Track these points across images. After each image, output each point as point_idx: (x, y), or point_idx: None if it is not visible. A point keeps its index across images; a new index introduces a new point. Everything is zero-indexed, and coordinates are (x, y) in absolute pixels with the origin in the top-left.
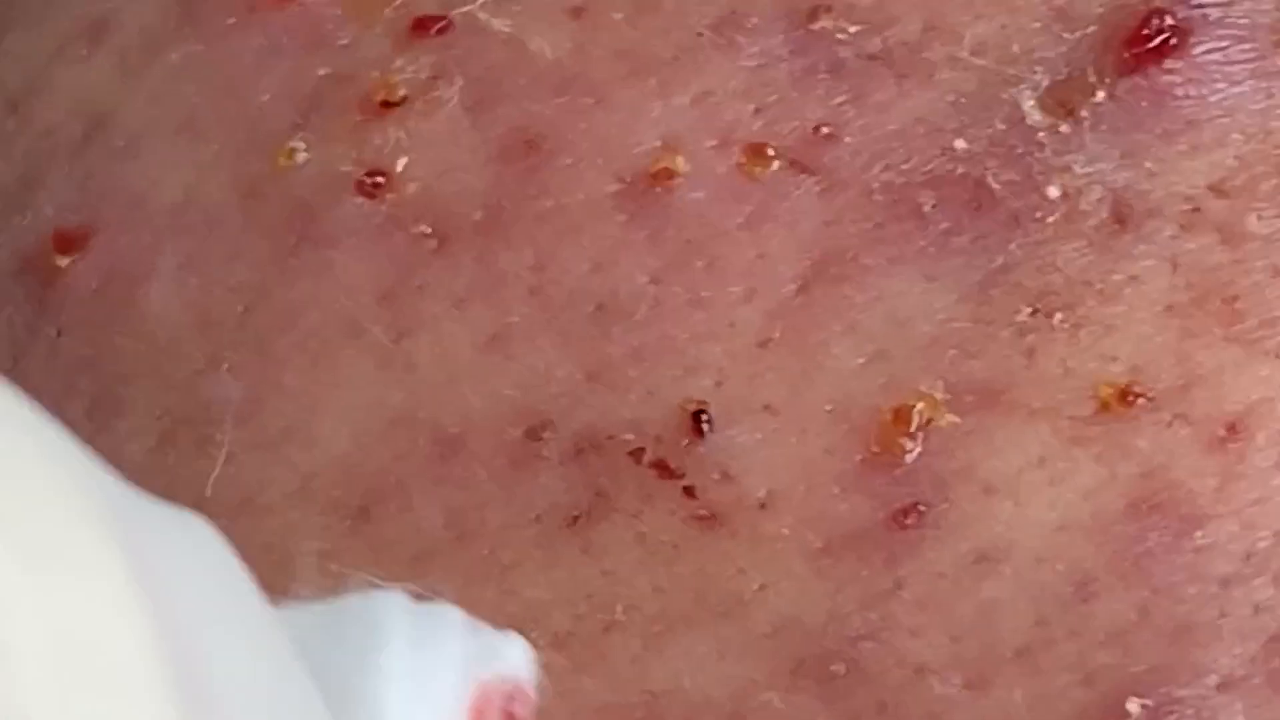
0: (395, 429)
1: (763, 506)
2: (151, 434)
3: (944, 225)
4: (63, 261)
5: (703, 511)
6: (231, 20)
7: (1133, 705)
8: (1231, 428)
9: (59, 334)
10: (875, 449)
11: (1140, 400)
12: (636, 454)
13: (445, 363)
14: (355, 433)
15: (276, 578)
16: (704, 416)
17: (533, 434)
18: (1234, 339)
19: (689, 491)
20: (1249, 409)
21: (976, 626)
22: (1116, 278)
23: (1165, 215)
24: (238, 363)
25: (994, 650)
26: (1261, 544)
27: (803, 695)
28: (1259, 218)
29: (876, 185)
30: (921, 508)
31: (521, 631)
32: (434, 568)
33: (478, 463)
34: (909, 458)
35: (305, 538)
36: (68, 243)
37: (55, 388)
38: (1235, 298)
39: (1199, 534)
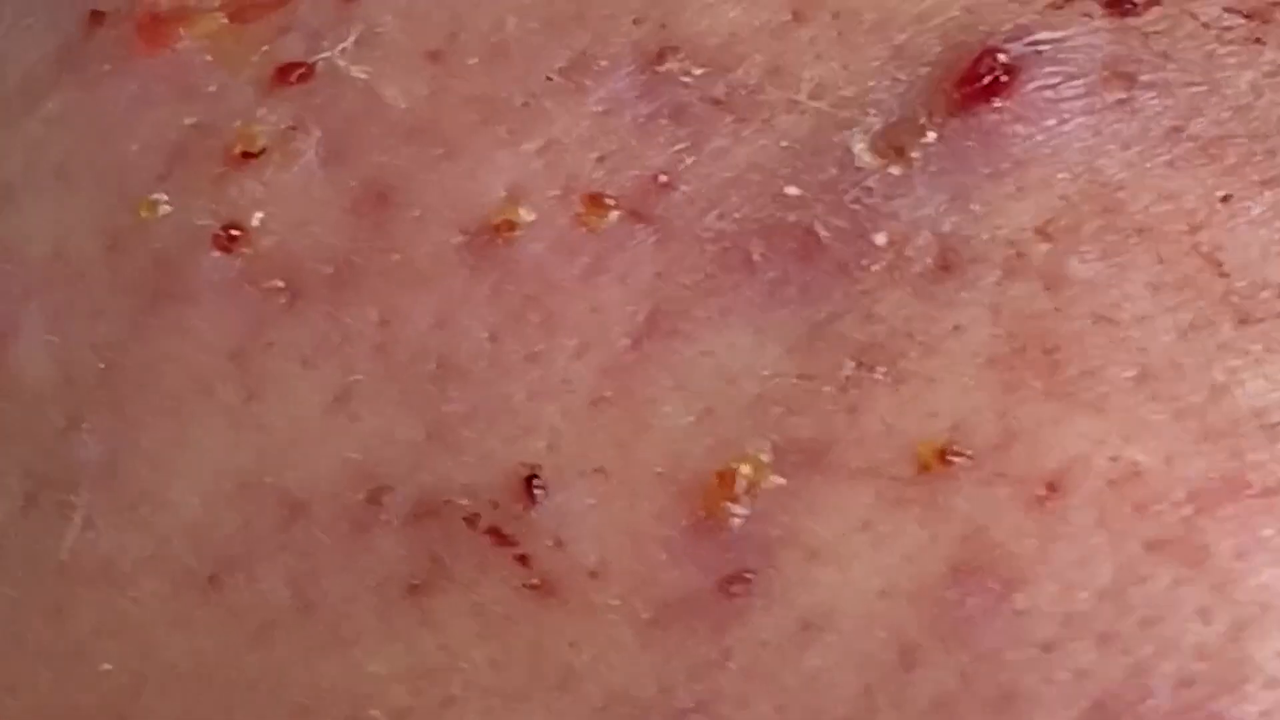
0: (244, 493)
1: (593, 575)
2: (18, 495)
3: (772, 275)
4: None
5: (535, 580)
6: (108, 67)
7: None
8: (1050, 486)
9: None
10: (701, 513)
11: (959, 459)
12: (472, 519)
13: (293, 424)
14: (206, 497)
15: (130, 650)
16: (536, 481)
17: (373, 498)
18: (1053, 392)
19: (522, 560)
20: (1067, 466)
21: (802, 696)
22: (939, 328)
23: (990, 261)
24: (97, 423)
25: (818, 718)
26: (1082, 605)
27: None
28: (1081, 261)
29: (709, 234)
30: (748, 575)
31: (361, 709)
32: (278, 641)
33: (320, 528)
34: (735, 522)
35: (159, 605)
36: None
37: None
38: (1056, 348)
39: (1019, 597)
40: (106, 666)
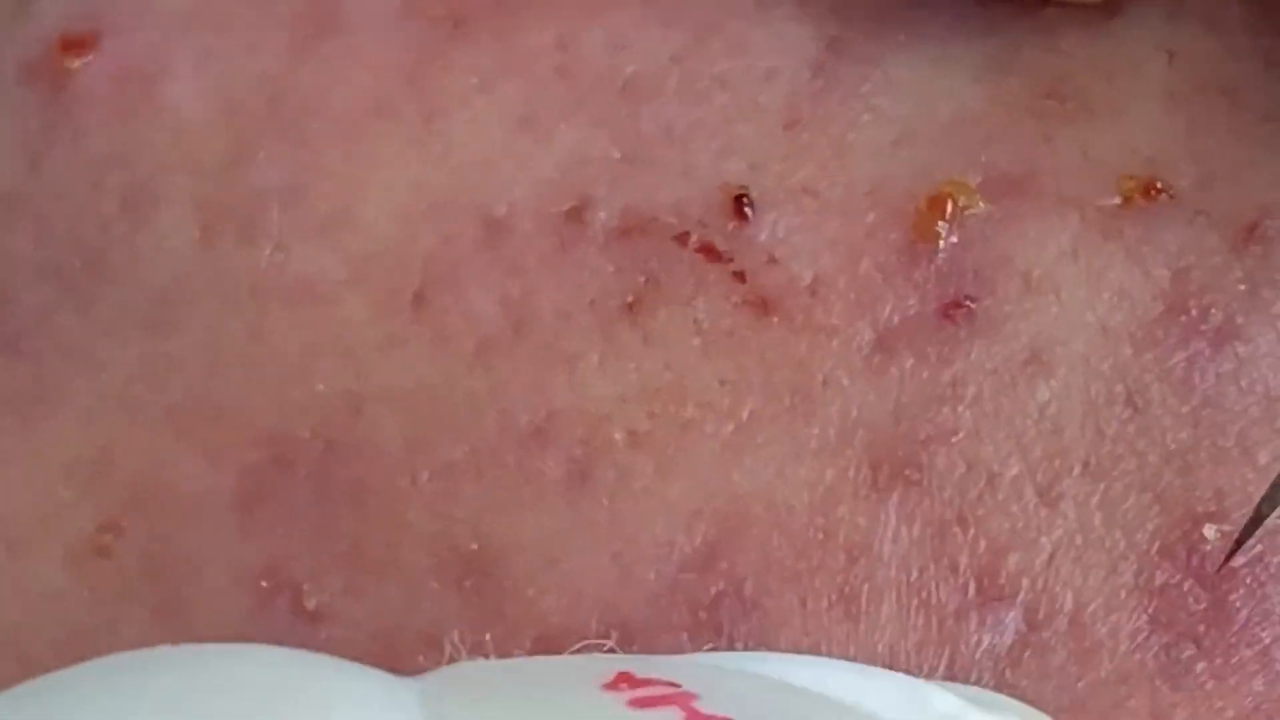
0: (439, 211)
1: (812, 292)
2: (193, 226)
3: (952, 9)
4: (73, 64)
5: (753, 297)
6: None
7: (1210, 531)
8: (1250, 229)
9: (77, 134)
10: (914, 235)
11: (1162, 196)
12: (682, 237)
13: (481, 143)
14: (400, 216)
15: (344, 369)
16: (746, 200)
17: (576, 214)
18: (1241, 134)
19: (738, 276)
20: (1266, 211)
21: (1040, 433)
22: (1119, 63)
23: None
24: (274, 151)
25: (1061, 461)
26: None
27: (881, 505)
28: None
29: None
30: (968, 301)
31: (599, 431)
32: (497, 360)
33: (525, 246)
34: (945, 245)
35: (365, 326)
36: (75, 46)
37: (81, 187)
38: (1235, 88)
39: (1238, 342)
40: (320, 387)
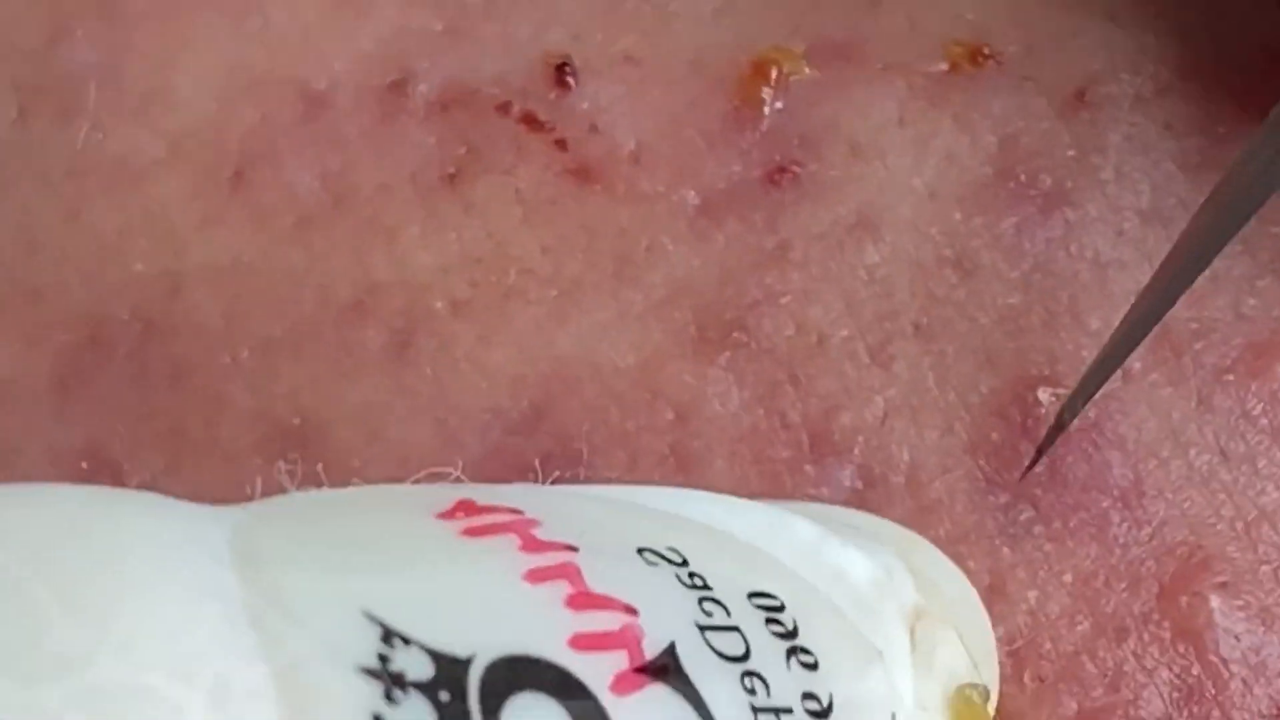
0: (258, 88)
1: (634, 161)
2: (10, 106)
3: None
4: None
5: (575, 166)
6: None
7: (1044, 394)
8: (1079, 94)
9: None
10: (738, 101)
11: (990, 62)
12: (504, 107)
13: (301, 20)
14: (219, 94)
15: (162, 249)
16: (567, 69)
17: (397, 87)
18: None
19: (560, 144)
20: (1094, 77)
21: (870, 296)
22: None
23: None
24: (90, 30)
25: (892, 323)
26: (1128, 224)
27: (710, 366)
28: None
29: None
30: (794, 167)
31: (419, 301)
32: (317, 235)
33: (346, 120)
34: (772, 112)
35: (184, 205)
36: None
37: None
38: None
39: (1066, 208)
40: (139, 267)
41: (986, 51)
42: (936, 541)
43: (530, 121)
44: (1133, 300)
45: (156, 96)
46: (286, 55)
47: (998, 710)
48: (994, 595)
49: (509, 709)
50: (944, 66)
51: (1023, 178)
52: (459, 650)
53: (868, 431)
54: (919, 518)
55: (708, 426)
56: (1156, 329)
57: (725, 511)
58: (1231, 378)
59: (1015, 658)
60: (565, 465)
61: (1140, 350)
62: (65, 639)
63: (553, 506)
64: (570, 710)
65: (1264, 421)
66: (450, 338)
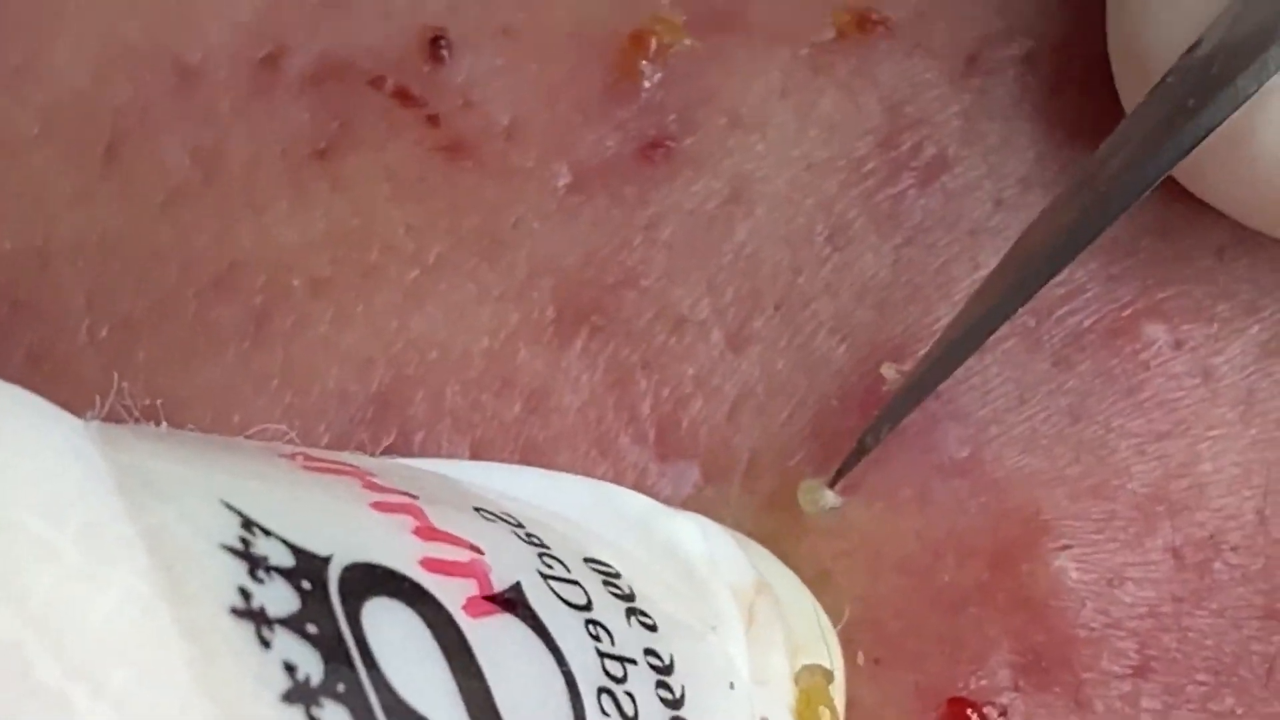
0: (131, 59)
1: (508, 136)
2: None
3: None
4: None
5: (447, 141)
6: None
7: (888, 370)
8: (971, 60)
9: None
10: (616, 74)
11: (879, 28)
12: (377, 81)
13: None
14: (92, 66)
15: (32, 226)
16: (442, 42)
17: (271, 60)
18: None
19: (432, 120)
20: (986, 40)
21: (734, 274)
22: None
23: None
24: None
25: (753, 302)
26: (1009, 191)
27: (564, 352)
28: None
29: None
30: (669, 142)
31: (278, 279)
32: (185, 210)
33: (219, 93)
34: (649, 83)
35: (55, 181)
36: None
37: None
38: None
39: (947, 177)
40: (7, 245)
41: (875, 18)
42: (770, 534)
43: (403, 96)
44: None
45: (29, 69)
46: (162, 26)
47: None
48: (822, 582)
49: (369, 608)
50: (831, 34)
51: (906, 147)
52: (318, 549)
53: (714, 423)
54: (755, 512)
55: (555, 418)
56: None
57: (552, 486)
58: (1093, 338)
59: (849, 641)
60: (408, 456)
61: None
62: None
63: (385, 467)
64: (427, 620)
65: (1122, 380)
66: (306, 317)
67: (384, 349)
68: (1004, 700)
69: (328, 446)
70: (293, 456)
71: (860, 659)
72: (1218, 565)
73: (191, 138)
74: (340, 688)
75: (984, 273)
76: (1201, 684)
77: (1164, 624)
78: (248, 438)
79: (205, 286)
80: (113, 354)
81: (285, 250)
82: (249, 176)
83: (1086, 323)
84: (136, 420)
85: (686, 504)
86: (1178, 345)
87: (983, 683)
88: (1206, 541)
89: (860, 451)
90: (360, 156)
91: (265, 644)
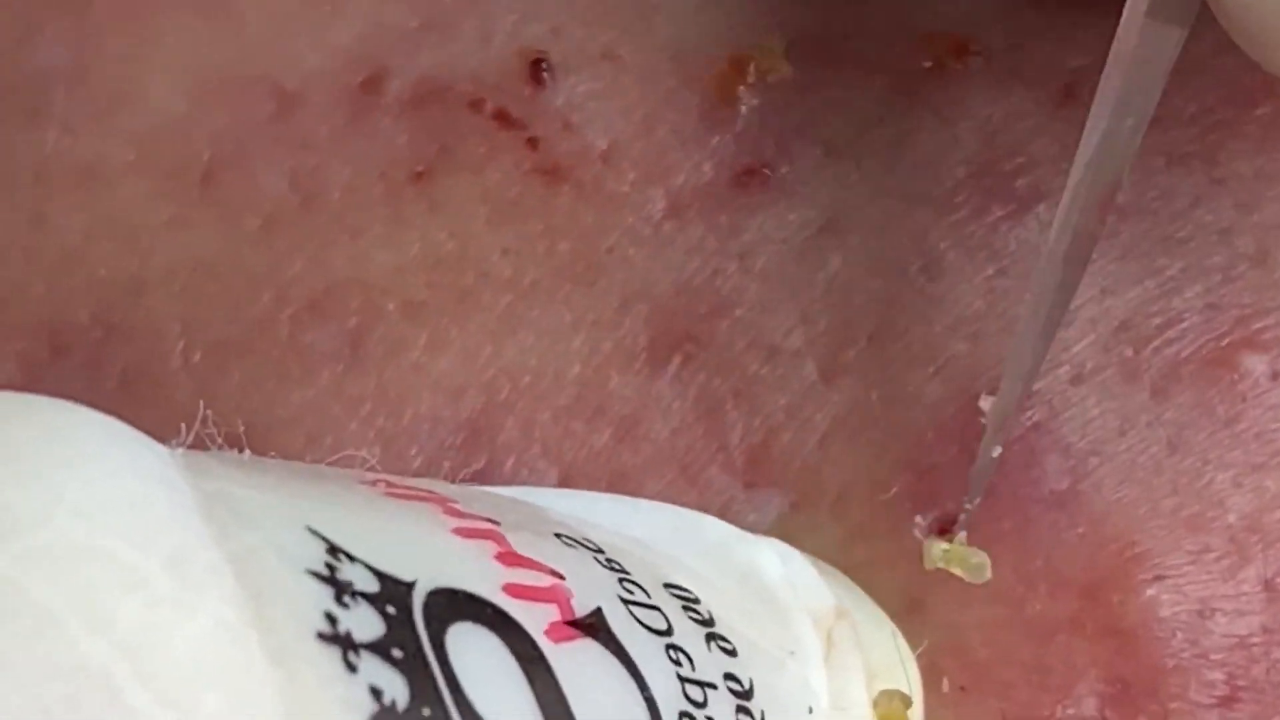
0: (228, 87)
1: (605, 160)
2: None
3: None
4: None
5: (546, 165)
6: None
7: (985, 403)
8: (1067, 91)
9: None
10: (715, 98)
11: (974, 58)
12: (477, 104)
13: (273, 15)
14: (189, 94)
15: (128, 253)
16: (544, 65)
17: (371, 85)
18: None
19: (531, 143)
20: (1082, 71)
21: (827, 305)
22: None
23: None
24: (60, 29)
25: (846, 333)
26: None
27: (655, 380)
28: None
29: None
30: (764, 170)
31: (373, 303)
32: (281, 235)
33: (317, 119)
34: (746, 109)
35: (150, 207)
36: None
37: None
38: None
39: (1041, 207)
40: (102, 272)
41: (972, 47)
42: (859, 564)
43: (503, 118)
44: (1096, 300)
45: (126, 98)
46: (259, 53)
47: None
48: (913, 610)
49: (453, 633)
50: (927, 63)
51: (1000, 176)
52: (402, 574)
53: (805, 453)
54: (845, 543)
55: (645, 446)
56: (1114, 322)
57: (632, 512)
58: (1192, 368)
59: (934, 667)
60: (498, 481)
61: (1095, 348)
62: (15, 500)
63: (467, 494)
64: (510, 645)
65: (1220, 411)
66: (400, 341)
67: (477, 375)
68: None
69: (418, 471)
70: (374, 483)
71: (945, 686)
72: None
73: (289, 162)
74: (426, 711)
75: (1079, 303)
76: None
77: (1254, 655)
78: (329, 464)
79: (299, 310)
80: (205, 378)
81: (381, 273)
82: (346, 200)
83: (1184, 353)
84: (220, 447)
85: (771, 531)
86: (1275, 376)
87: (1069, 711)
88: None
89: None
90: (458, 179)
91: (352, 668)
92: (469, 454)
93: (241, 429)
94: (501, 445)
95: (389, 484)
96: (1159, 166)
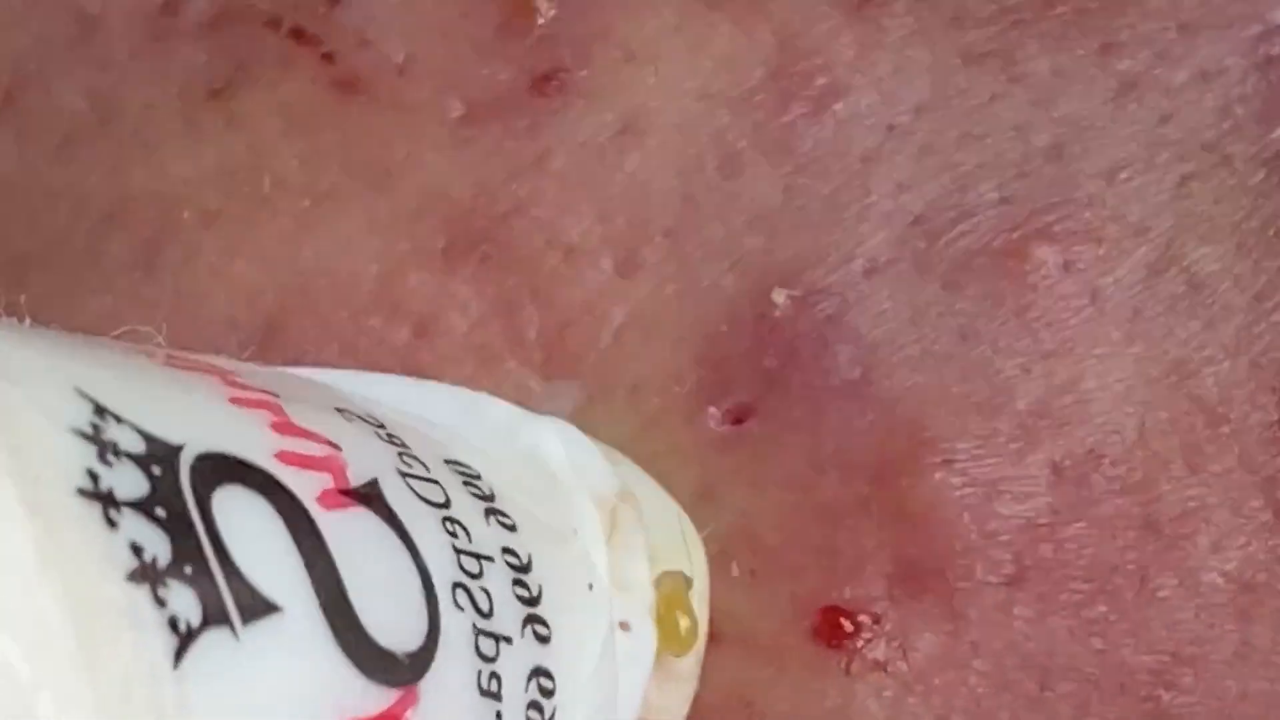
0: (33, 10)
1: (401, 72)
2: None
3: None
4: None
5: (343, 78)
6: None
7: (778, 296)
8: None
9: None
10: (510, 10)
11: None
12: (274, 22)
13: None
14: None
15: None
16: None
17: (170, 7)
18: None
19: (328, 58)
20: None
21: (624, 201)
22: None
23: None
24: None
25: (643, 230)
26: (902, 118)
27: (453, 278)
28: None
29: None
30: (562, 74)
31: (172, 212)
32: (80, 152)
33: (117, 40)
34: (544, 19)
35: None
36: None
37: None
38: None
39: (839, 105)
40: None
41: None
42: (653, 455)
43: (299, 35)
44: (891, 195)
45: None
46: None
47: (710, 606)
48: (705, 498)
49: (220, 495)
50: None
51: (798, 78)
52: (171, 437)
53: (600, 346)
54: (640, 432)
55: (442, 341)
56: (908, 217)
57: (418, 392)
58: (984, 260)
59: (724, 553)
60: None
61: (890, 242)
62: None
63: (252, 370)
64: (279, 509)
65: (1010, 302)
66: (196, 248)
67: (273, 278)
68: (878, 609)
69: None
70: (153, 354)
71: (735, 570)
72: (1096, 478)
73: (88, 83)
74: (187, 569)
75: (875, 198)
76: (1076, 592)
77: (1040, 535)
78: (115, 338)
79: (96, 222)
80: (3, 290)
81: (177, 184)
82: (143, 117)
83: (977, 245)
84: None
85: (569, 421)
86: (1066, 267)
87: (858, 592)
88: (1086, 456)
89: None
90: (255, 95)
91: (112, 525)
92: (266, 352)
93: (23, 299)
94: (298, 345)
95: (171, 355)
96: (956, 65)
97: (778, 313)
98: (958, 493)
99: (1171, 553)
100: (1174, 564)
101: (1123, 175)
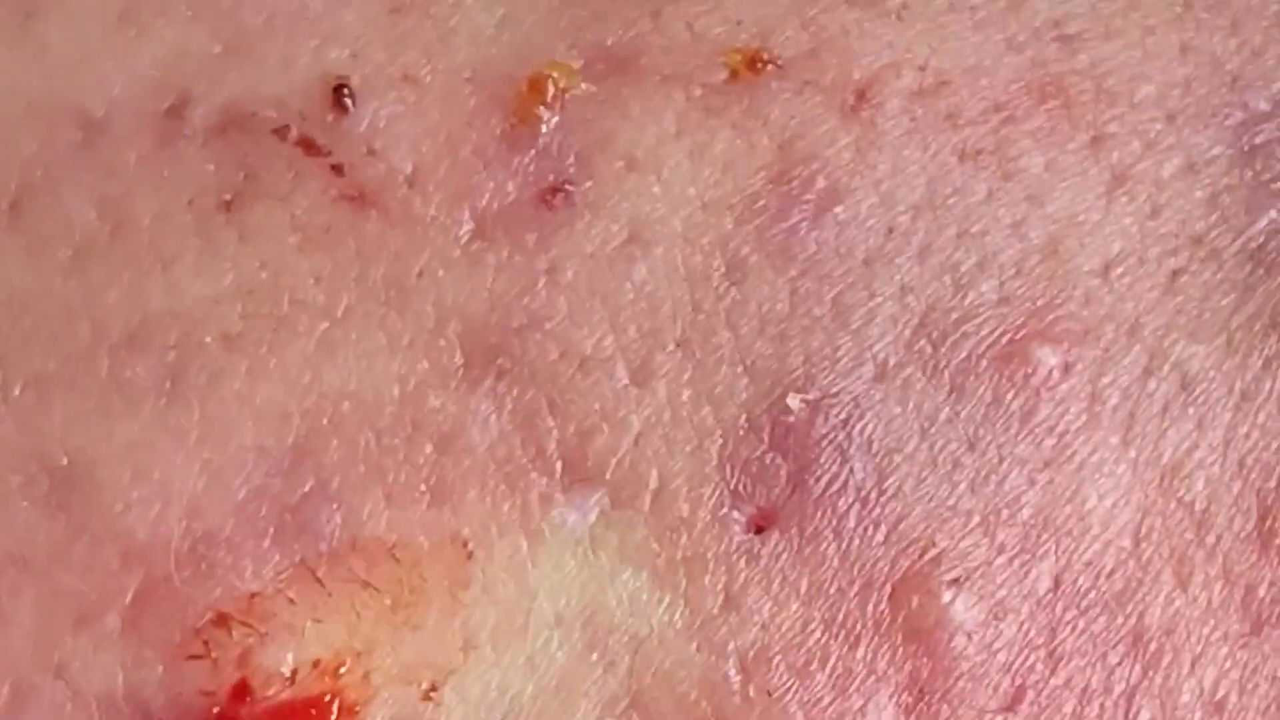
0: (35, 115)
1: (410, 184)
2: None
3: None
4: None
5: (352, 191)
6: None
7: (794, 401)
8: (860, 94)
9: None
10: (514, 119)
11: (770, 67)
12: (281, 131)
13: (79, 41)
14: None
15: None
16: (345, 91)
17: (175, 111)
18: (855, 1)
19: (336, 169)
20: (875, 74)
21: (635, 313)
22: None
23: None
24: None
25: (655, 339)
26: (901, 219)
27: (473, 394)
28: None
29: None
30: (568, 186)
31: (193, 334)
32: (93, 266)
33: (122, 145)
34: (548, 129)
35: None
36: None
37: None
38: None
39: (839, 209)
40: None
41: (765, 57)
42: (673, 561)
43: (308, 145)
44: (896, 297)
45: None
46: (65, 80)
47: None
48: (729, 610)
49: None
50: (723, 76)
51: (798, 182)
52: None
53: (620, 453)
54: (659, 537)
55: (465, 457)
56: (914, 319)
57: None
58: (988, 362)
59: (744, 672)
60: (321, 502)
61: (896, 343)
62: None
63: None
64: None
65: (1015, 406)
66: (220, 373)
67: (298, 402)
68: None
69: (245, 498)
70: None
71: (752, 691)
72: (1092, 594)
73: (97, 191)
74: None
75: (879, 300)
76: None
77: (1039, 657)
78: None
79: (117, 343)
80: (27, 413)
81: (195, 304)
82: (156, 229)
83: (980, 348)
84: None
85: (594, 529)
86: (1066, 369)
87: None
88: (1085, 569)
89: None
90: (266, 207)
91: None
92: (294, 480)
93: (65, 462)
94: (325, 469)
95: None
96: (952, 164)
97: (792, 418)
98: (966, 613)
99: (1154, 675)
100: (1156, 688)
101: (1117, 271)
